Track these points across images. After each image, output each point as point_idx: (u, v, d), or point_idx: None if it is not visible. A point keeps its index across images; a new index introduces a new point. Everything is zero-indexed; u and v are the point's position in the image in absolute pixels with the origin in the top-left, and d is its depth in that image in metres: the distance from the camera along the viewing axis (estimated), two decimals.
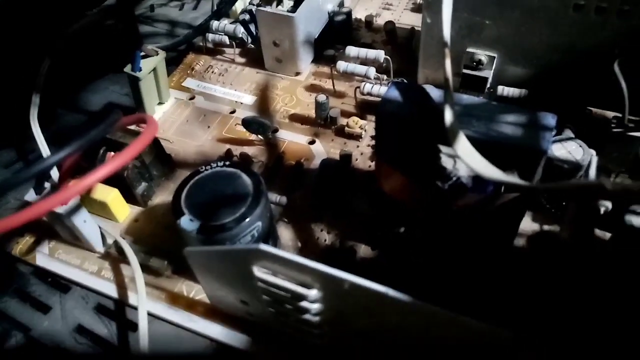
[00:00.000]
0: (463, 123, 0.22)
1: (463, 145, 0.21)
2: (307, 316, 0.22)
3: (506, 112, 0.23)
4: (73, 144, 0.21)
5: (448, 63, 0.23)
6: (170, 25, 0.48)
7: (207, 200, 0.25)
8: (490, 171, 0.20)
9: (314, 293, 0.20)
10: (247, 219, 0.24)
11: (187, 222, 0.24)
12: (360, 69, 0.35)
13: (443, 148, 0.23)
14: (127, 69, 0.33)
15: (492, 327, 0.17)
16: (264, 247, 0.19)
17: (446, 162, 0.23)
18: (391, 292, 0.18)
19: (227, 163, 0.26)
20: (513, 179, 0.21)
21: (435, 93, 0.24)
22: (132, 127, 0.33)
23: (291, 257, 0.19)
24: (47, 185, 0.27)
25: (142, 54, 0.33)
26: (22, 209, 0.21)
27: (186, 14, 0.50)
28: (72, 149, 0.21)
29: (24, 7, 0.36)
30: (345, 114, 0.36)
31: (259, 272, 0.21)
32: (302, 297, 0.21)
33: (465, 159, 0.21)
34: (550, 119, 0.22)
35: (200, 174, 0.26)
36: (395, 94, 0.24)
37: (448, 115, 0.22)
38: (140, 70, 0.33)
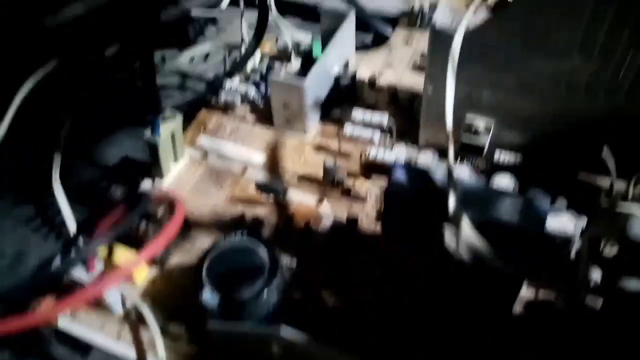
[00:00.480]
0: (464, 207, 0.24)
1: (465, 228, 0.23)
2: None
3: (502, 196, 0.25)
4: (108, 235, 0.23)
5: (451, 151, 0.25)
6: (181, 78, 0.50)
7: (225, 272, 0.27)
8: (491, 258, 0.22)
9: None
10: (265, 293, 0.26)
11: (209, 296, 0.26)
12: (366, 133, 0.37)
13: (446, 228, 0.25)
14: (147, 134, 0.35)
15: None
16: (284, 331, 0.21)
17: (449, 241, 0.25)
18: None
19: (244, 233, 0.28)
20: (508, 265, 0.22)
21: (438, 177, 0.26)
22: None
23: (309, 342, 0.21)
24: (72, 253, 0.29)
25: (162, 117, 0.35)
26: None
27: (196, 66, 0.52)
28: (108, 240, 0.23)
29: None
30: (351, 174, 0.38)
31: (277, 350, 0.23)
32: None
33: (469, 246, 0.23)
34: (543, 202, 0.24)
35: (220, 248, 0.28)
36: (401, 176, 0.26)
37: (452, 202, 0.24)
38: (159, 135, 0.35)
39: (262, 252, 0.27)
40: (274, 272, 0.26)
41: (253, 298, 0.25)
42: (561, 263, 0.29)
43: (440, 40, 0.31)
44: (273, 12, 0.41)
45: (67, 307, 0.21)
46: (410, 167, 0.27)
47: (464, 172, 0.33)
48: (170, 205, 0.27)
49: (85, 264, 0.28)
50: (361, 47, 0.51)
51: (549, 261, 0.29)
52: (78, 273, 0.28)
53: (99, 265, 0.29)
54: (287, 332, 0.21)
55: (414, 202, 0.25)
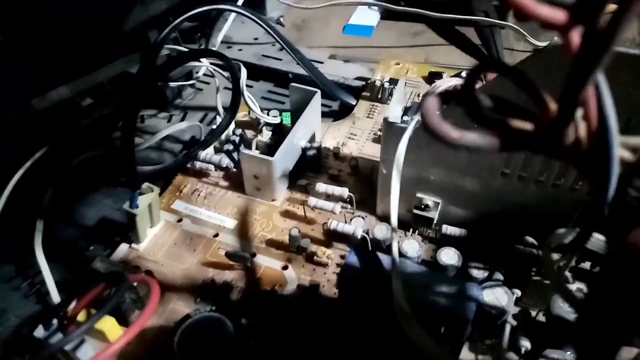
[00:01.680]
0: (407, 288, 0.28)
1: (408, 320, 0.27)
2: None
3: (443, 281, 0.29)
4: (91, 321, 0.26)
5: (395, 248, 0.29)
6: (159, 138, 0.54)
7: (195, 344, 0.30)
8: (427, 344, 0.26)
9: None
10: None
11: None
12: (328, 205, 0.41)
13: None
14: (126, 206, 0.38)
15: None
16: None
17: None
18: None
19: (212, 309, 0.31)
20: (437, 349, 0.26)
21: (385, 261, 0.30)
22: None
23: None
24: (54, 322, 0.31)
25: (139, 192, 0.39)
26: None
27: (174, 126, 0.55)
28: (90, 325, 0.26)
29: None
30: (315, 241, 0.41)
31: None
32: None
33: (409, 332, 0.26)
34: (475, 291, 0.29)
35: (189, 320, 0.31)
36: (354, 260, 0.30)
37: (396, 286, 0.27)
38: (137, 207, 0.38)
39: (228, 324, 0.31)
40: (236, 343, 0.30)
41: None
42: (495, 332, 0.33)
43: (391, 131, 0.36)
44: (249, 98, 0.45)
45: None
46: (363, 253, 0.31)
47: (412, 246, 0.37)
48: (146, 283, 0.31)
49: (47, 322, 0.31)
50: (329, 113, 0.56)
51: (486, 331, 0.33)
52: (56, 340, 0.31)
53: (76, 332, 0.31)
54: None
55: (365, 284, 0.29)
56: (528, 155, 0.34)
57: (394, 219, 0.30)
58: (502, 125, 0.18)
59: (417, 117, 0.33)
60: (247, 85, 0.47)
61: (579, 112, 0.16)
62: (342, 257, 0.40)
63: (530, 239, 0.34)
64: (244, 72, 0.44)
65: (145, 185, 0.39)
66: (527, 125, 0.18)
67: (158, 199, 0.41)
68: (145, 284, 0.32)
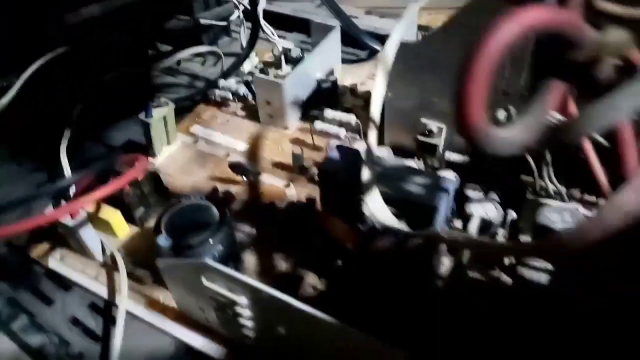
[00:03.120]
0: (382, 180, 0.29)
1: (372, 197, 0.27)
2: (242, 320, 0.28)
3: (418, 175, 0.29)
4: (82, 173, 0.29)
5: (372, 136, 0.30)
6: (191, 78, 0.57)
7: (181, 225, 0.32)
8: (385, 219, 0.26)
9: (243, 300, 0.26)
10: (210, 242, 0.31)
11: (162, 240, 0.31)
12: (333, 129, 0.42)
13: (363, 198, 0.29)
14: (141, 115, 0.41)
15: (387, 346, 0.22)
16: (208, 261, 0.26)
17: (366, 210, 0.29)
18: (294, 301, 0.24)
19: (202, 197, 0.33)
20: (399, 225, 0.26)
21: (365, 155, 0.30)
22: None
23: (225, 270, 0.25)
24: (63, 203, 0.34)
25: (154, 104, 0.41)
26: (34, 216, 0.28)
27: (206, 69, 0.58)
28: (80, 176, 0.28)
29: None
30: (317, 165, 0.42)
31: (206, 282, 0.27)
32: (235, 304, 0.27)
33: (371, 207, 0.27)
34: (448, 184, 0.28)
35: (179, 204, 0.33)
36: (335, 155, 0.31)
37: (365, 174, 0.28)
38: (151, 117, 0.41)
39: (214, 212, 0.32)
40: (220, 228, 0.31)
41: (198, 244, 0.30)
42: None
43: (398, 53, 0.36)
44: (266, 26, 0.47)
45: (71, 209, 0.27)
46: (345, 148, 0.32)
47: (384, 153, 0.37)
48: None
49: (56, 202, 0.33)
50: (356, 60, 0.56)
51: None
52: (66, 220, 0.34)
53: (82, 213, 0.34)
54: (213, 264, 0.26)
55: (344, 178, 0.30)
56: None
57: (375, 109, 0.31)
58: None
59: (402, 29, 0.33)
60: (279, 36, 0.48)
61: None
62: None
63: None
64: (262, 1, 0.46)
65: (162, 99, 0.42)
66: None
67: (173, 115, 0.43)
68: (144, 171, 0.34)
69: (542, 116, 0.17)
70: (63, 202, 0.34)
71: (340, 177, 0.30)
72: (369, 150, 0.29)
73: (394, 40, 0.32)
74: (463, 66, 0.15)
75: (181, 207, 0.33)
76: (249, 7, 0.45)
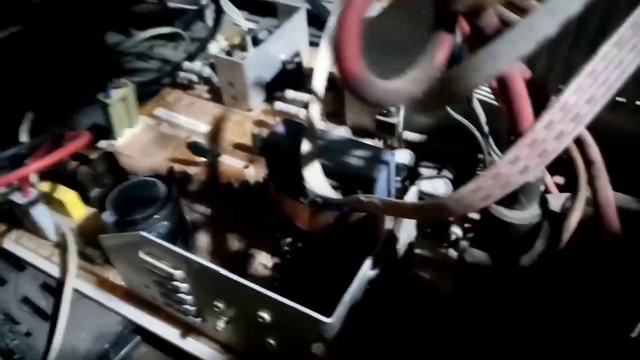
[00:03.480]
0: (323, 154, 0.28)
1: (309, 169, 0.27)
2: (181, 295, 0.28)
3: (360, 148, 0.29)
4: (22, 145, 0.29)
5: (314, 109, 0.29)
6: (162, 63, 0.56)
7: (127, 201, 0.31)
8: (321, 189, 0.26)
9: (179, 273, 0.26)
10: (154, 218, 0.30)
11: (107, 216, 0.31)
12: (292, 109, 0.42)
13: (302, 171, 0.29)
14: (100, 95, 0.41)
15: (308, 312, 0.22)
16: (143, 234, 0.26)
17: (306, 183, 0.29)
18: (222, 271, 0.24)
19: (151, 175, 0.33)
20: (335, 195, 0.26)
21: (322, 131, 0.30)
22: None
23: (159, 241, 0.25)
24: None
25: (113, 85, 0.41)
26: None
27: (179, 54, 0.58)
28: (20, 148, 0.28)
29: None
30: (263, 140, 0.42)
31: (143, 255, 0.27)
32: (172, 277, 0.26)
33: (309, 180, 0.27)
34: (388, 156, 0.28)
35: (127, 182, 0.32)
36: (280, 129, 0.31)
37: (304, 146, 0.28)
38: (110, 97, 0.41)
39: (161, 189, 0.32)
40: (165, 204, 0.31)
41: (142, 220, 0.30)
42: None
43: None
44: (228, 8, 0.47)
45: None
46: (291, 123, 0.31)
47: (342, 132, 0.37)
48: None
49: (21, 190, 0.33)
50: None
51: None
52: (15, 197, 0.34)
53: (33, 192, 0.34)
54: (146, 236, 0.25)
55: (287, 152, 0.29)
56: None
57: (318, 83, 0.30)
58: None
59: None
60: (252, 21, 0.48)
61: None
62: None
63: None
64: None
65: (121, 80, 0.42)
66: None
67: (134, 96, 0.43)
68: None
69: (430, 69, 0.17)
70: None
71: (282, 150, 0.30)
72: (309, 123, 0.29)
73: (336, 11, 0.32)
74: (338, 19, 0.14)
75: (128, 184, 0.32)
76: None
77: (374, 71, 0.36)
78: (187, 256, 0.25)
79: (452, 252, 0.32)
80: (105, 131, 0.46)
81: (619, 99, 0.31)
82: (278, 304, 0.23)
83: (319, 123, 0.30)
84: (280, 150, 0.30)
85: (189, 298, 0.28)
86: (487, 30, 0.16)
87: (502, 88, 0.18)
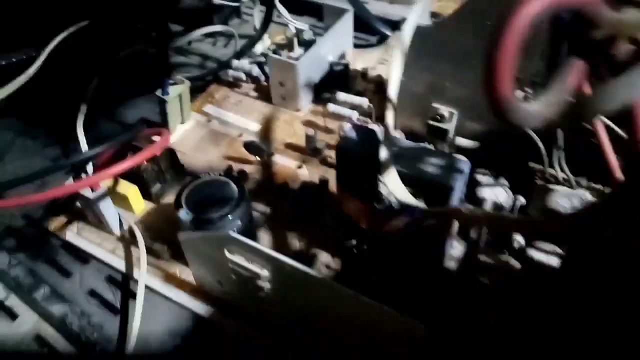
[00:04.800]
0: (398, 161, 0.29)
1: (390, 176, 0.28)
2: (261, 293, 0.29)
3: (435, 156, 0.30)
4: (104, 145, 0.29)
5: (390, 117, 0.30)
6: (202, 59, 0.57)
7: (201, 200, 0.32)
8: (404, 196, 0.27)
9: (265, 273, 0.27)
10: (229, 217, 0.31)
11: (184, 214, 0.32)
12: (346, 112, 0.43)
13: (381, 178, 0.30)
14: (158, 92, 0.42)
15: (407, 318, 0.23)
16: (232, 234, 0.27)
17: (383, 189, 0.30)
18: (313, 272, 0.25)
19: (222, 174, 0.34)
20: (417, 203, 0.27)
21: (382, 136, 0.31)
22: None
23: (250, 242, 0.26)
24: (84, 176, 0.35)
25: (171, 81, 0.42)
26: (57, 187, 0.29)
27: (217, 50, 0.58)
28: (103, 149, 0.29)
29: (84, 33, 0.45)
30: (331, 147, 0.43)
31: (229, 255, 0.28)
32: (258, 276, 0.27)
33: (390, 186, 0.28)
34: (463, 165, 0.29)
35: (199, 180, 0.33)
36: (353, 135, 0.32)
37: (383, 154, 0.29)
38: (168, 94, 0.41)
39: (233, 189, 0.33)
40: (239, 204, 0.32)
41: (219, 219, 0.31)
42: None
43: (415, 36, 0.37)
44: (280, 8, 0.47)
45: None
46: (361, 128, 0.32)
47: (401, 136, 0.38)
48: (160, 139, 0.33)
49: (77, 175, 0.34)
50: (366, 45, 0.57)
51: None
52: (85, 192, 0.35)
53: (102, 187, 0.35)
54: (238, 237, 0.26)
55: (361, 157, 0.31)
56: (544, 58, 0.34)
57: (393, 91, 0.31)
58: None
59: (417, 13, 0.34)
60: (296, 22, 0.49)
61: None
62: None
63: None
64: None
65: (178, 77, 0.42)
66: None
67: (189, 93, 0.44)
68: (158, 134, 0.34)
69: (562, 93, 0.18)
70: (84, 175, 0.34)
71: (357, 155, 0.31)
72: (387, 130, 0.30)
73: (411, 23, 0.33)
74: (493, 39, 0.15)
75: (201, 182, 0.33)
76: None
77: (430, 76, 0.37)
78: (279, 259, 0.26)
79: (514, 262, 0.33)
80: (154, 126, 0.47)
81: None
82: (377, 310, 0.24)
83: (394, 130, 0.31)
84: (353, 155, 0.31)
85: (268, 295, 0.29)
86: (620, 58, 0.17)
87: (628, 112, 0.19)
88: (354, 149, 0.31)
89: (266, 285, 0.28)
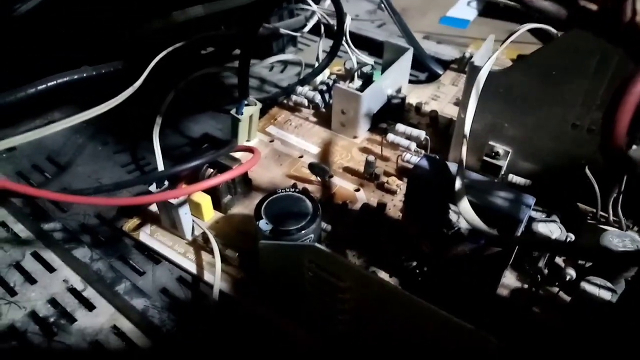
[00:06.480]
0: (468, 191, 0.32)
1: (464, 204, 0.31)
2: (338, 304, 0.31)
3: (501, 189, 0.33)
4: (200, 158, 0.32)
5: (464, 150, 0.33)
6: (260, 82, 0.61)
7: (279, 212, 0.35)
8: (478, 224, 0.29)
9: (344, 285, 0.30)
10: (305, 231, 0.34)
11: (263, 224, 0.34)
12: (405, 142, 0.45)
13: (452, 206, 0.32)
14: (233, 111, 0.45)
15: (480, 331, 0.25)
16: (319, 246, 0.29)
17: (452, 216, 0.32)
18: (399, 288, 0.27)
19: (297, 190, 0.37)
20: (490, 231, 0.30)
21: (452, 168, 0.34)
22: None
23: (336, 255, 0.29)
24: (166, 183, 0.38)
25: (246, 102, 0.45)
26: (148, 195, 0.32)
27: (274, 75, 0.62)
28: (199, 162, 0.32)
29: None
30: (386, 174, 0.46)
31: (308, 264, 0.30)
32: (337, 288, 0.30)
33: (464, 213, 0.30)
34: (529, 200, 0.32)
35: (277, 194, 0.36)
36: (424, 163, 0.34)
37: (458, 184, 0.31)
38: (242, 114, 0.44)
39: (307, 204, 0.36)
40: (314, 218, 0.35)
41: (296, 231, 0.34)
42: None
43: (474, 74, 0.40)
44: (346, 40, 0.51)
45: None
46: (433, 159, 0.35)
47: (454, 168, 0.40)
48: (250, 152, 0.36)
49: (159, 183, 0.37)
50: (416, 81, 0.60)
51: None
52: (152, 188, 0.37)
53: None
54: (324, 249, 0.29)
55: (431, 184, 0.33)
56: (601, 108, 0.37)
57: (467, 128, 0.34)
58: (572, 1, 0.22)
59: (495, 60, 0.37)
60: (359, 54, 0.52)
61: None
62: None
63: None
64: (348, 19, 0.50)
65: (251, 98, 0.46)
66: (592, 5, 0.21)
67: (258, 114, 0.47)
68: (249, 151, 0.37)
69: None
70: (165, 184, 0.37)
71: (430, 183, 0.33)
72: (461, 162, 0.32)
73: (488, 66, 0.36)
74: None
75: (276, 197, 0.36)
76: (334, 23, 0.49)
77: (490, 116, 0.40)
78: (364, 273, 0.28)
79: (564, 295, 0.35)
80: (217, 142, 0.51)
81: None
82: (453, 322, 0.26)
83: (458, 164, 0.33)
84: (425, 182, 0.34)
85: (344, 307, 0.31)
86: None
87: None
88: (427, 177, 0.34)
89: (344, 297, 0.30)
